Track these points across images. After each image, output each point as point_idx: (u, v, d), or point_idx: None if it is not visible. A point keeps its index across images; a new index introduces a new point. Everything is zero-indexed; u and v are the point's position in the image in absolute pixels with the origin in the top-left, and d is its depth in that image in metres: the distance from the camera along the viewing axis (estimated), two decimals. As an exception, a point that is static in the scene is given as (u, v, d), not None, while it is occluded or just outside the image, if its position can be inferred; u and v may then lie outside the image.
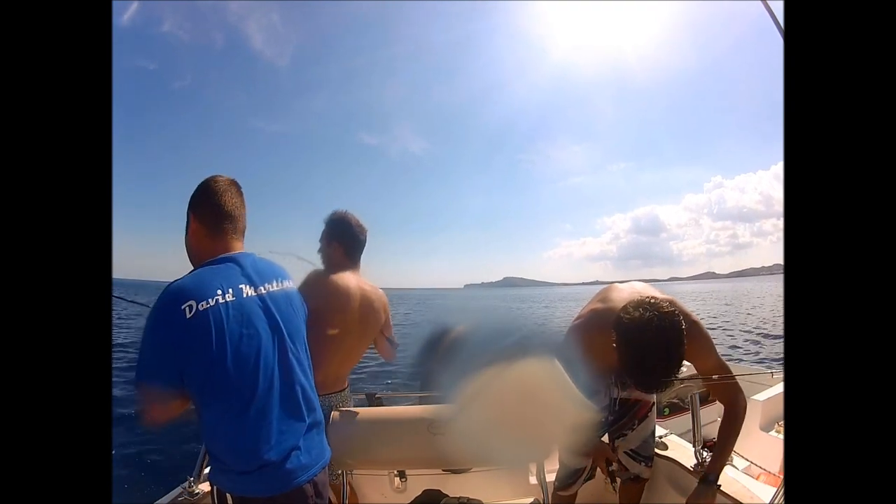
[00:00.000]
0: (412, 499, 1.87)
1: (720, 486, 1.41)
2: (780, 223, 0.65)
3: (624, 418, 1.73)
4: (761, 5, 0.87)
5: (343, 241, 1.73)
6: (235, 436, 1.03)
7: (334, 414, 1.56)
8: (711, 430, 2.88)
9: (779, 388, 3.28)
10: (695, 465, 1.61)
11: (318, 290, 1.60)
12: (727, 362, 1.49)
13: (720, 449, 1.46)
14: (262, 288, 1.11)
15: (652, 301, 1.32)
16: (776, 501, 1.13)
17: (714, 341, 1.50)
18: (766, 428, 3.01)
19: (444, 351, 1.13)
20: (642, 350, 1.26)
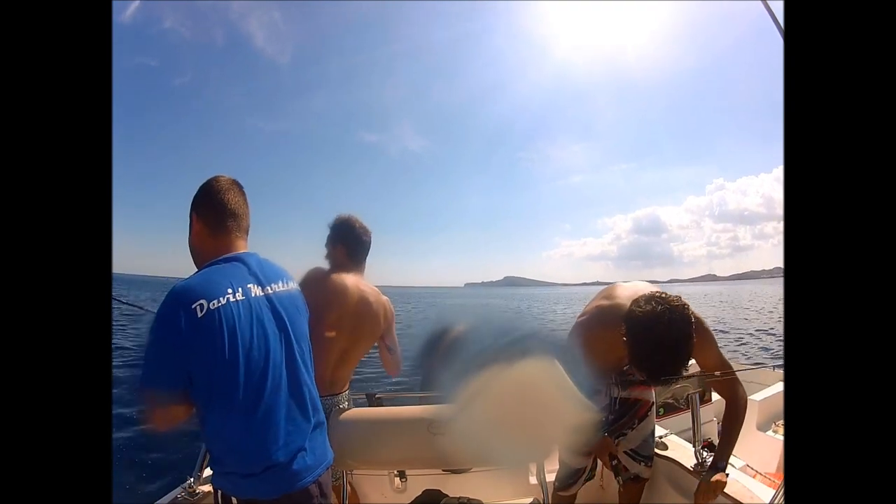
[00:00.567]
0: (412, 499, 1.87)
1: (728, 473, 1.42)
2: (782, 226, 0.65)
3: (624, 418, 1.73)
4: (762, 5, 0.87)
5: (346, 243, 1.74)
6: (241, 437, 1.01)
7: (334, 414, 1.56)
8: (709, 431, 2.88)
9: (776, 388, 3.28)
10: (695, 464, 1.61)
11: (313, 287, 1.59)
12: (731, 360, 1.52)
13: (725, 439, 1.48)
14: (268, 288, 1.10)
15: (663, 295, 1.34)
16: (776, 501, 1.13)
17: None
18: (763, 428, 3.01)
19: (444, 351, 1.13)
20: (654, 342, 1.28)
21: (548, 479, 1.75)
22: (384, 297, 1.77)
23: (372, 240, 1.79)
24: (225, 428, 1.02)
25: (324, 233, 1.81)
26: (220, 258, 1.09)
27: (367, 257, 1.79)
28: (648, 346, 1.29)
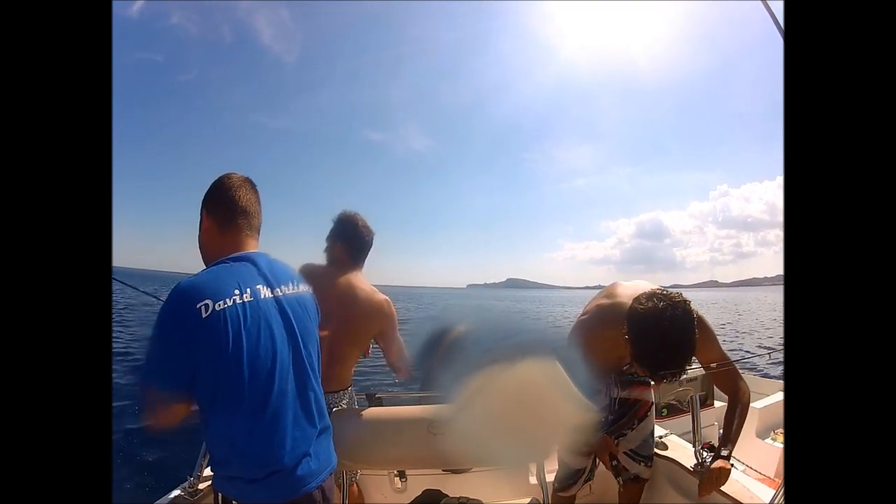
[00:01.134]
0: (412, 499, 1.87)
1: (733, 464, 1.42)
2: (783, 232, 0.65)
3: (623, 418, 1.73)
4: (767, 6, 0.87)
5: (346, 240, 1.72)
6: (246, 441, 0.99)
7: (334, 413, 1.56)
8: (710, 434, 2.89)
9: (775, 397, 3.28)
10: (695, 465, 1.61)
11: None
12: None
13: (730, 429, 1.46)
14: (278, 290, 1.07)
15: (664, 293, 1.34)
16: (776, 501, 1.13)
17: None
18: (763, 435, 3.01)
19: (444, 351, 1.13)
20: (657, 340, 1.27)
21: (548, 479, 1.75)
22: (381, 296, 1.74)
23: (373, 240, 1.77)
24: (229, 431, 0.99)
25: (327, 230, 1.79)
26: (230, 257, 1.06)
27: (367, 257, 1.76)
28: (651, 343, 1.29)
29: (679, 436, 1.94)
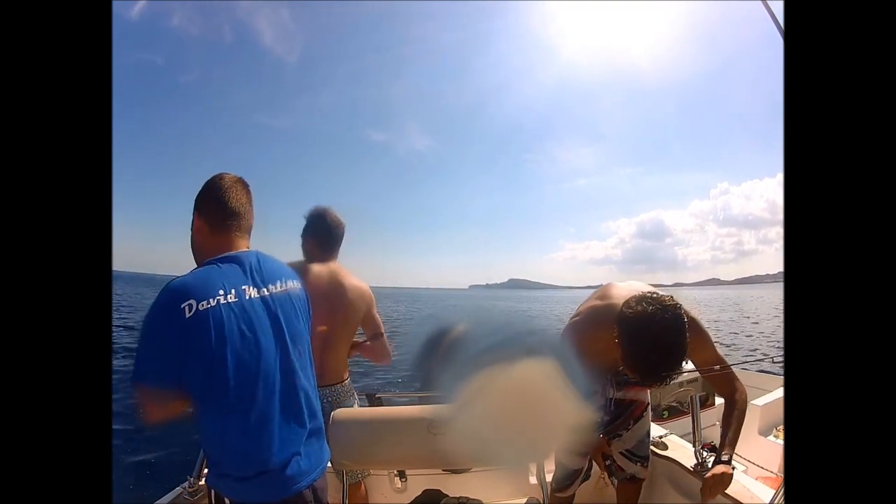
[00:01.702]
0: (412, 499, 1.87)
1: (734, 467, 1.41)
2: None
3: (619, 418, 1.73)
4: (767, 6, 0.87)
5: (316, 234, 1.78)
6: (235, 441, 1.01)
7: (334, 414, 1.56)
8: (711, 433, 2.89)
9: (777, 393, 3.28)
10: (695, 465, 1.61)
11: None
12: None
13: (728, 432, 1.44)
14: (265, 289, 1.08)
15: (654, 295, 1.32)
16: (776, 501, 1.13)
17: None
18: (765, 433, 3.01)
19: (443, 350, 1.13)
20: (647, 343, 1.26)
21: (547, 480, 1.75)
22: (360, 283, 1.79)
23: (344, 231, 1.82)
24: (218, 430, 1.02)
25: None
26: (218, 257, 1.07)
27: (340, 247, 1.82)
28: (641, 347, 1.28)
29: (679, 436, 1.94)
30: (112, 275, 0.69)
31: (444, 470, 2.01)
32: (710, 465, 1.57)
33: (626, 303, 1.34)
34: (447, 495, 1.87)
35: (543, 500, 1.68)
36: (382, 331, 1.84)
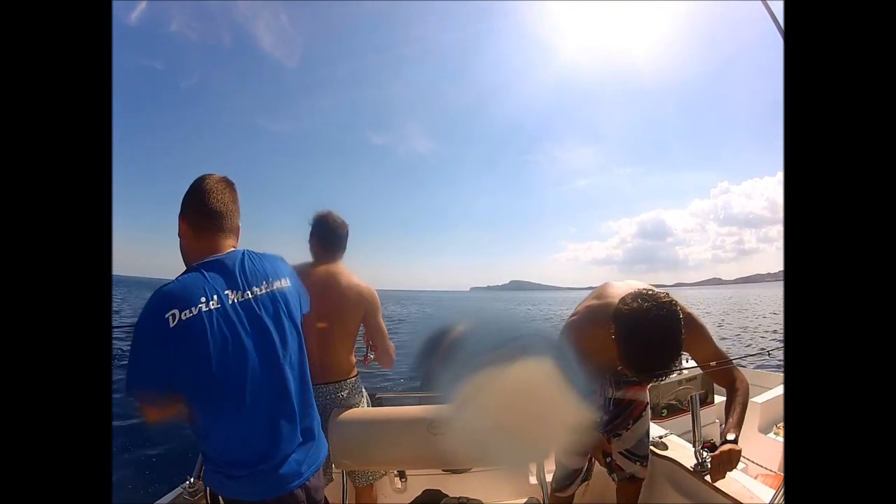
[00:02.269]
0: (412, 499, 1.87)
1: (741, 450, 1.40)
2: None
3: (619, 418, 1.73)
4: (767, 6, 0.87)
5: (319, 237, 1.83)
6: (226, 441, 1.03)
7: (334, 413, 1.57)
8: (710, 432, 2.89)
9: (777, 390, 3.28)
10: (695, 465, 1.61)
11: None
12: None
13: (732, 415, 1.43)
14: (248, 293, 1.07)
15: (650, 292, 1.33)
16: (776, 501, 1.13)
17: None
18: (765, 430, 3.01)
19: (444, 351, 1.13)
20: (642, 340, 1.27)
21: (547, 480, 1.75)
22: (363, 283, 1.82)
23: (348, 231, 1.87)
24: (211, 431, 1.04)
25: None
26: (201, 263, 1.07)
27: (345, 248, 1.86)
28: (637, 343, 1.29)
29: (679, 435, 1.94)
30: (112, 278, 0.69)
31: (444, 470, 2.01)
32: (710, 465, 1.57)
33: (623, 300, 1.35)
34: (447, 495, 1.87)
35: (543, 500, 1.68)
36: (385, 333, 1.85)
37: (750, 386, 1.51)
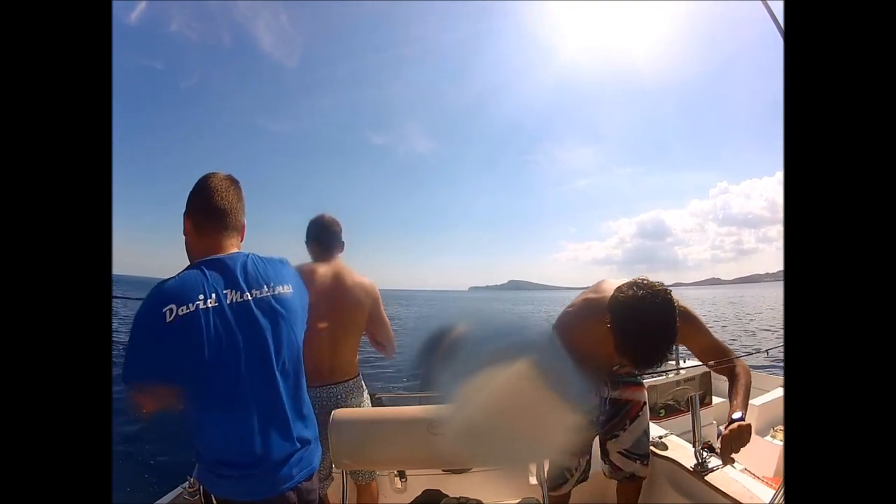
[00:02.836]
0: (412, 499, 1.87)
1: (750, 424, 1.38)
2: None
3: (615, 418, 1.73)
4: (767, 6, 0.87)
5: (316, 238, 1.87)
6: (216, 442, 1.04)
7: (334, 414, 1.57)
8: (709, 433, 2.89)
9: (775, 393, 3.29)
10: (695, 465, 1.61)
11: None
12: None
13: (737, 397, 1.42)
14: (247, 294, 1.06)
15: (645, 282, 1.36)
16: (776, 501, 1.13)
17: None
18: (762, 433, 3.01)
19: (444, 350, 1.13)
20: (638, 326, 1.29)
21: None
22: (364, 279, 1.84)
23: (342, 228, 1.91)
24: (203, 429, 1.05)
25: None
26: (203, 260, 1.07)
27: (342, 243, 1.90)
28: (632, 330, 1.30)
29: (678, 436, 1.94)
30: (112, 278, 0.69)
31: (444, 470, 2.01)
32: (710, 465, 1.57)
33: (619, 288, 1.37)
34: (447, 495, 1.87)
35: (543, 500, 1.68)
36: (388, 324, 1.88)
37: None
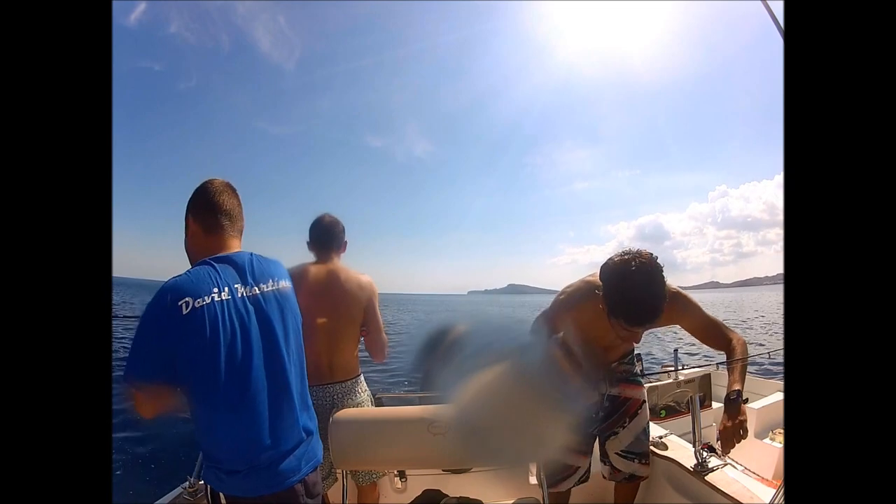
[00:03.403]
0: (412, 499, 1.87)
1: (747, 399, 1.43)
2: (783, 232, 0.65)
3: (614, 415, 1.73)
4: (765, 8, 0.87)
5: (316, 238, 1.89)
6: (226, 435, 1.04)
7: (334, 413, 1.57)
8: (710, 433, 2.89)
9: (774, 397, 3.29)
10: (694, 465, 1.61)
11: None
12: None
13: (734, 373, 1.47)
14: (256, 288, 1.11)
15: (632, 250, 1.42)
16: (776, 501, 1.13)
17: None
18: (761, 435, 3.01)
19: (444, 350, 1.13)
20: (626, 283, 1.34)
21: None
22: (359, 276, 1.84)
23: (342, 227, 1.92)
24: (210, 424, 1.05)
25: None
26: (212, 258, 1.11)
27: (341, 243, 1.91)
28: (623, 288, 1.35)
29: (679, 436, 1.94)
30: (112, 279, 0.69)
31: (444, 470, 2.01)
32: (710, 465, 1.57)
33: (610, 258, 1.44)
34: (447, 495, 1.87)
35: (543, 500, 1.68)
36: (381, 325, 1.86)
37: (747, 392, 1.52)
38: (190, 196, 1.19)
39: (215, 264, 1.09)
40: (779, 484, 1.16)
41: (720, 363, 1.60)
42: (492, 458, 1.41)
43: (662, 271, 1.37)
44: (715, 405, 3.49)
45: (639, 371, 1.84)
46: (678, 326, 1.59)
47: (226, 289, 1.05)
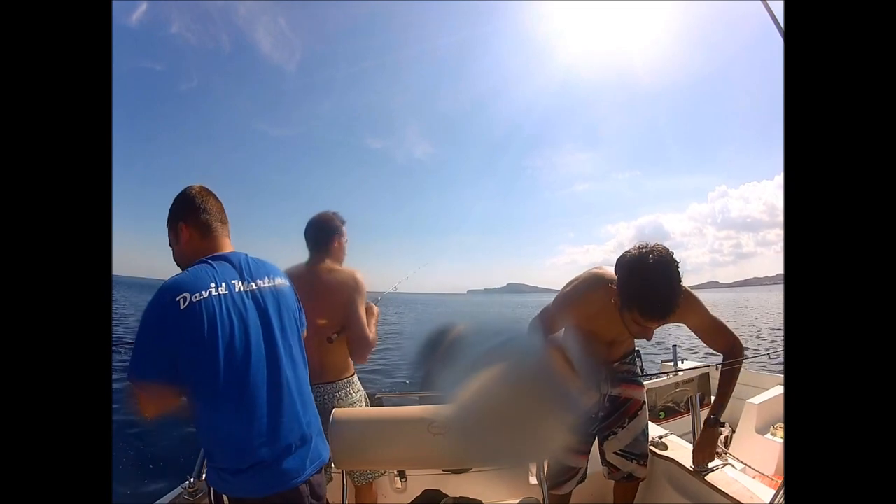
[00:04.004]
0: (412, 499, 1.87)
1: (724, 423, 1.49)
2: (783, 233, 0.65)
3: (614, 416, 1.73)
4: (765, 9, 0.87)
5: (311, 239, 1.88)
6: (228, 432, 1.04)
7: (334, 413, 1.57)
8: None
9: (774, 391, 3.29)
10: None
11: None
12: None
13: (723, 392, 1.57)
14: (253, 284, 1.13)
15: (649, 244, 1.42)
16: (776, 501, 1.13)
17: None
18: (762, 431, 3.01)
19: (444, 350, 1.13)
20: (643, 275, 1.35)
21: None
22: (344, 269, 1.82)
23: (339, 223, 1.90)
24: (213, 423, 1.05)
25: None
26: (208, 257, 1.12)
27: (334, 237, 1.88)
28: (639, 280, 1.36)
29: (679, 436, 1.94)
30: (112, 279, 0.69)
31: (444, 470, 2.01)
32: (709, 465, 1.58)
33: (625, 251, 1.44)
34: (447, 495, 1.87)
35: (543, 500, 1.68)
36: (363, 323, 1.75)
37: (747, 387, 1.54)
38: (171, 206, 1.19)
39: (213, 262, 1.10)
40: (780, 481, 1.16)
41: (718, 364, 1.62)
42: (492, 458, 1.41)
43: (678, 267, 1.37)
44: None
45: (639, 368, 1.84)
46: (676, 325, 1.60)
47: (223, 284, 1.06)
